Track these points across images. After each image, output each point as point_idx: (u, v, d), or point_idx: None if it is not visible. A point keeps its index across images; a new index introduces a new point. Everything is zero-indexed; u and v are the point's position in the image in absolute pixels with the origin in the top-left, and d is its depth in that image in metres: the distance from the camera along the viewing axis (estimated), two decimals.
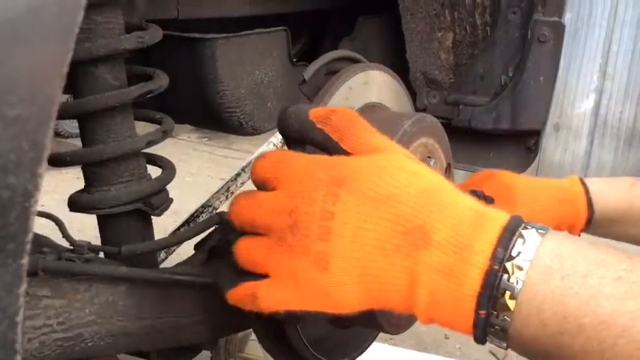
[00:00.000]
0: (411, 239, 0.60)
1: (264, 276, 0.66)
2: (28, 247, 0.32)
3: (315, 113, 0.70)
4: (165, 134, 0.97)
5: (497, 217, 0.61)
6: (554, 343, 0.57)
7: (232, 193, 2.06)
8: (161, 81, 0.95)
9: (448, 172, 0.99)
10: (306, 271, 0.63)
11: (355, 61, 0.95)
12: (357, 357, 1.00)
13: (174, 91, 1.00)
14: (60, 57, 0.31)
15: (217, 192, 2.05)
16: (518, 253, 0.58)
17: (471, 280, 0.58)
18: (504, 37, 1.34)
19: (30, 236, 0.32)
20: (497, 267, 0.57)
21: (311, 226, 0.62)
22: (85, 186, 0.94)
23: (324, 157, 0.67)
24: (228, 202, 2.14)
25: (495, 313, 0.57)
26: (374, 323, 0.84)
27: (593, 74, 3.42)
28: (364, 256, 0.61)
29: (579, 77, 3.43)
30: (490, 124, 1.39)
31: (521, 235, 0.59)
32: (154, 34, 0.93)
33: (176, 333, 0.92)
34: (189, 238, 0.96)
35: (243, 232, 0.71)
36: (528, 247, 0.58)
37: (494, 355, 2.47)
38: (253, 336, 2.10)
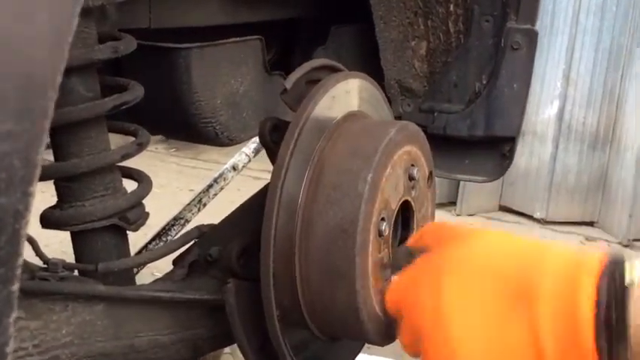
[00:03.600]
0: (522, 299, 0.66)
1: None
2: (19, 272, 0.30)
3: (411, 243, 0.85)
4: (141, 147, 0.95)
5: (593, 261, 0.66)
6: None
7: (204, 204, 2.03)
8: (136, 92, 0.93)
9: (430, 180, 0.99)
10: None
11: (335, 69, 0.94)
12: None
13: (147, 102, 0.97)
14: (53, 66, 0.29)
15: (189, 204, 2.01)
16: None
17: (584, 306, 0.63)
18: (478, 45, 1.34)
19: (21, 260, 0.30)
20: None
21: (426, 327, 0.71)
22: (57, 201, 0.90)
23: (426, 258, 0.77)
24: (200, 214, 2.09)
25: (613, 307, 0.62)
26: (363, 335, 0.82)
27: (557, 80, 3.48)
28: (484, 332, 0.67)
29: (543, 84, 3.49)
30: (465, 131, 1.39)
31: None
32: (128, 44, 0.91)
33: (156, 352, 0.89)
34: (168, 253, 0.93)
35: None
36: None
37: None
38: (227, 349, 2.06)
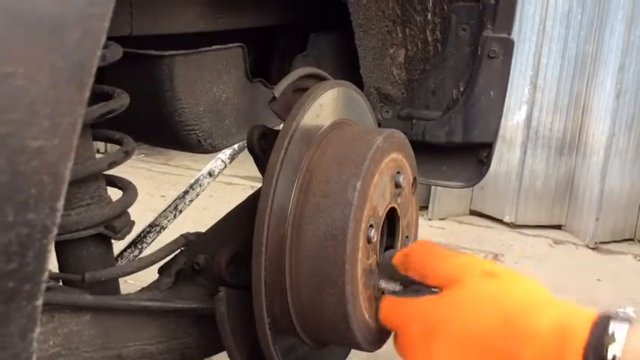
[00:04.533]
0: None
1: None
2: (44, 287, 0.30)
3: (396, 260, 0.84)
4: (127, 155, 0.94)
5: (579, 336, 0.66)
6: None
7: (181, 211, 2.01)
8: (122, 100, 0.92)
9: (414, 186, 1.00)
10: None
11: (321, 78, 0.95)
12: None
13: (129, 109, 0.97)
14: (82, 82, 0.29)
15: (165, 210, 1.99)
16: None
17: None
18: (455, 53, 1.37)
19: (46, 275, 0.30)
20: None
21: None
22: None
23: (418, 305, 0.78)
24: (176, 221, 2.07)
25: None
26: (352, 342, 0.83)
27: (524, 87, 3.55)
28: None
29: (512, 90, 3.55)
30: (443, 138, 1.41)
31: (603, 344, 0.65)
32: (114, 52, 0.90)
33: None
34: (156, 261, 0.93)
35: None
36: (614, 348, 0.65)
37: None
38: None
